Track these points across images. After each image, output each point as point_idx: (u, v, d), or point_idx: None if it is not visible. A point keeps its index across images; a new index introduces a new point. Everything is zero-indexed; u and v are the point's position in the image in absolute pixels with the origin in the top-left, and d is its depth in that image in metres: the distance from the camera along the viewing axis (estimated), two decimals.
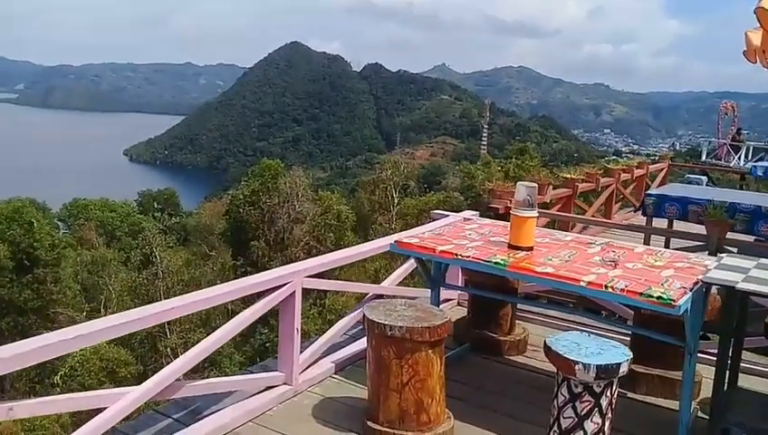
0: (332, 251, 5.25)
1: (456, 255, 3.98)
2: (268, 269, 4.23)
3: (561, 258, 3.89)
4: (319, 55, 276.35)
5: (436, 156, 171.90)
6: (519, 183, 4.12)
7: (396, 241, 4.34)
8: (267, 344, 24.41)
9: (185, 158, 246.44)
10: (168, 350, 24.43)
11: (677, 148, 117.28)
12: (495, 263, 3.80)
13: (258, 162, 38.11)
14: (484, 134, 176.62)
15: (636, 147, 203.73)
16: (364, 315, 3.63)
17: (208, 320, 29.64)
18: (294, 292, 4.02)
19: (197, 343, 3.71)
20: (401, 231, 5.54)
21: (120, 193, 77.73)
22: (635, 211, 13.37)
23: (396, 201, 45.49)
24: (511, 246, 4.03)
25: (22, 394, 26.09)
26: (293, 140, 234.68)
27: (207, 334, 3.83)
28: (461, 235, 4.44)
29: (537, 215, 4.05)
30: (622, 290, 3.36)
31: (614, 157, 52.73)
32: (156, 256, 25.79)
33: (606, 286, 3.41)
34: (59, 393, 23.85)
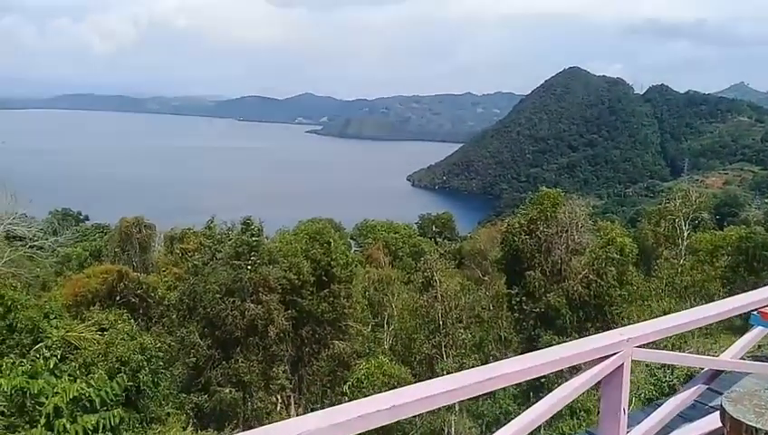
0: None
1: None
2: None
3: None
4: (598, 79, 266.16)
5: (732, 184, 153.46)
6: None
7: (759, 311, 3.60)
8: None
9: (461, 183, 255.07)
10: (444, 372, 25.01)
11: None
12: None
13: (532, 189, 37.54)
14: None
15: None
16: (723, 410, 2.99)
17: (482, 345, 29.85)
18: (623, 364, 3.53)
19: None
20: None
21: (402, 215, 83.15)
22: None
23: (685, 234, 41.29)
24: None
25: (315, 396, 28.97)
26: (568, 166, 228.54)
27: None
28: None
29: None
30: None
31: None
32: (436, 280, 26.75)
33: None
34: (347, 401, 25.91)
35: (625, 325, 4.07)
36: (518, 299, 30.11)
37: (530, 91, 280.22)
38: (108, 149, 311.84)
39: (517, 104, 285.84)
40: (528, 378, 3.43)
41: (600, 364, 3.49)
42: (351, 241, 61.33)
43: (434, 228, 78.84)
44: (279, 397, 26.82)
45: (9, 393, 12.32)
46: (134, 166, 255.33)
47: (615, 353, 3.52)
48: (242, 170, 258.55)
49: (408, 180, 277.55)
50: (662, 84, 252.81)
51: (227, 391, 23.03)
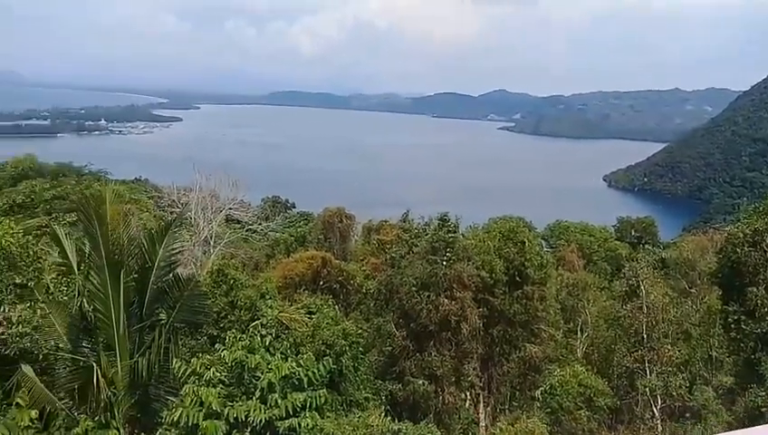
0: None
1: None
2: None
3: None
4: None
5: None
6: None
7: None
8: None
9: (664, 186, 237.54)
10: (647, 389, 23.32)
11: None
12: None
13: (749, 195, 33.53)
14: None
15: None
16: None
17: (689, 364, 27.35)
18: None
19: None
20: None
21: (596, 217, 79.17)
22: None
23: None
24: None
25: (504, 397, 28.59)
26: None
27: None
28: None
29: None
30: None
31: None
32: (642, 289, 24.96)
33: None
34: (538, 406, 25.36)
35: None
36: (735, 317, 27.08)
37: (749, 87, 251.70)
38: (313, 143, 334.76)
39: (733, 101, 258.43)
40: None
41: None
42: (543, 241, 59.65)
43: (633, 233, 73.98)
44: (468, 394, 26.80)
45: (230, 365, 13.55)
46: (336, 159, 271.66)
47: None
48: (435, 166, 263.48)
49: (605, 181, 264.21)
50: None
51: (420, 382, 23.45)
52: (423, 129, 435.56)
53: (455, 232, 28.07)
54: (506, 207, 68.71)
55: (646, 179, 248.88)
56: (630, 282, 26.44)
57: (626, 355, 25.29)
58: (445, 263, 25.98)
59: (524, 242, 30.97)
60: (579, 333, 34.12)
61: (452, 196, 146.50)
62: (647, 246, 61.76)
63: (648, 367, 24.17)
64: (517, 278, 29.82)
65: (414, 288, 25.30)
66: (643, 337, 24.89)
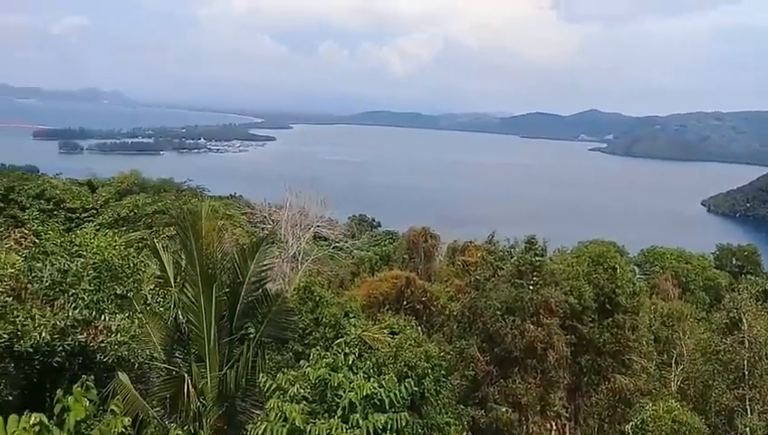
0: None
1: None
2: None
3: None
4: None
5: None
6: None
7: None
8: None
9: None
10: (748, 430, 21.80)
11: None
12: None
13: None
14: None
15: None
16: None
17: None
18: None
19: None
20: None
21: (694, 244, 75.36)
22: None
23: None
24: None
25: (591, 429, 27.51)
26: None
27: None
28: None
29: None
30: None
31: None
32: (744, 322, 23.45)
33: None
34: None
35: None
36: None
37: None
38: (401, 161, 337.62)
39: None
40: None
41: None
42: (636, 268, 57.38)
43: (734, 261, 70.07)
44: (554, 423, 25.99)
45: (314, 382, 13.72)
46: (423, 178, 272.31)
47: None
48: (522, 186, 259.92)
49: (703, 205, 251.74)
50: None
51: (504, 409, 22.95)
52: (511, 149, 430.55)
53: (542, 255, 27.51)
54: (597, 230, 66.89)
55: (749, 205, 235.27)
56: (731, 314, 24.93)
57: (725, 392, 23.80)
58: (531, 287, 25.48)
59: (616, 268, 30.02)
60: (673, 365, 32.39)
61: (539, 217, 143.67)
62: (749, 275, 58.20)
63: (750, 406, 22.64)
64: (607, 306, 28.89)
65: (499, 312, 24.91)
66: (744, 373, 23.37)
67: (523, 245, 28.60)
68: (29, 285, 14.25)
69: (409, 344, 18.81)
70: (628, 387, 26.83)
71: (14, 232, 17.20)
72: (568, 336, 25.97)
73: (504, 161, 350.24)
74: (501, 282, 26.50)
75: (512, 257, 28.62)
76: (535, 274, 26.10)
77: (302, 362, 13.64)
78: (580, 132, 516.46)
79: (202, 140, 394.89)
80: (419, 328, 24.28)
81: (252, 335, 13.56)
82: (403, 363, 17.43)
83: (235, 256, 13.87)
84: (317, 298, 22.36)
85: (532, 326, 24.42)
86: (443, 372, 19.40)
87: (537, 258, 26.72)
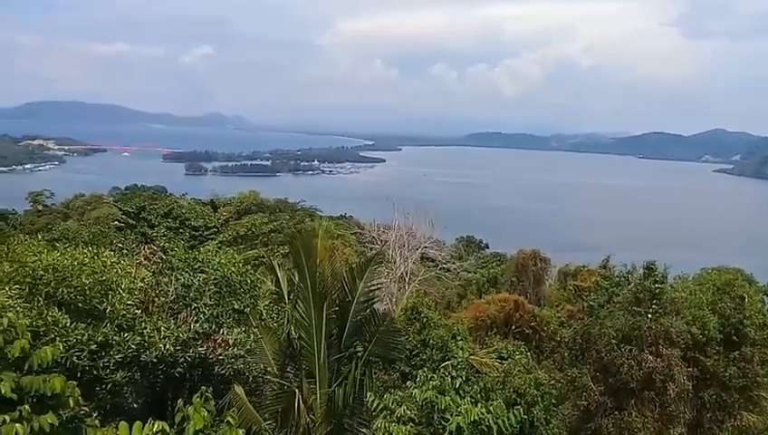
0: None
1: None
2: None
3: None
4: None
5: None
6: None
7: None
8: None
9: None
10: None
11: None
12: None
13: None
14: None
15: None
16: None
17: None
18: None
19: None
20: None
21: None
22: None
23: None
24: None
25: None
26: None
27: None
28: None
29: None
30: None
31: None
32: None
33: None
34: None
35: None
36: None
37: None
38: (509, 182, 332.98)
39: None
40: None
41: None
42: (765, 298, 53.07)
43: None
44: None
45: (421, 404, 13.68)
46: (532, 199, 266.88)
47: None
48: (639, 210, 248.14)
49: None
50: None
51: None
52: (628, 170, 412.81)
53: (662, 282, 26.12)
54: (722, 256, 62.59)
55: None
56: None
57: None
58: (650, 316, 24.22)
59: (743, 297, 28.13)
60: None
61: (658, 242, 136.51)
62: None
63: None
64: (734, 337, 27.04)
65: (614, 341, 23.82)
66: None
67: (641, 270, 27.32)
68: (156, 299, 15.24)
69: (518, 370, 18.38)
70: (756, 425, 24.87)
71: (145, 248, 18.45)
72: (689, 368, 24.40)
73: (620, 183, 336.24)
74: (616, 309, 25.36)
75: (629, 283, 27.40)
76: (654, 301, 24.81)
77: (408, 383, 13.69)
78: (704, 153, 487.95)
79: (316, 162, 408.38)
80: (528, 354, 23.67)
81: (360, 354, 13.74)
82: (512, 390, 17.02)
83: (345, 275, 14.16)
84: (424, 319, 22.35)
85: (650, 357, 23.15)
86: (553, 400, 18.80)
87: (656, 285, 25.39)
